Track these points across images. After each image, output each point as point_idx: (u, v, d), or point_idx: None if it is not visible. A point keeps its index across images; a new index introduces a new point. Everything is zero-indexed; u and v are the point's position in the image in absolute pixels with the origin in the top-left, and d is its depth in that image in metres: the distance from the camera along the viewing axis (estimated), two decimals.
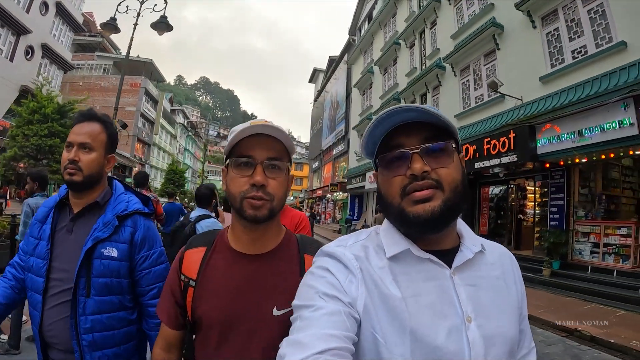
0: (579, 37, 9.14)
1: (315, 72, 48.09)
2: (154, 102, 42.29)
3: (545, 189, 11.11)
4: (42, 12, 22.04)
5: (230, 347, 1.09)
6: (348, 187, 26.87)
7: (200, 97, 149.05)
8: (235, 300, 1.09)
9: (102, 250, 1.56)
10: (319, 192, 40.19)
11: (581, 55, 9.01)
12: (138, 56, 37.29)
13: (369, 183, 21.70)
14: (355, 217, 25.36)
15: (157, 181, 38.93)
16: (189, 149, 63.39)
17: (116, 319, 1.60)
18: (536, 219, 11.90)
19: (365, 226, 22.33)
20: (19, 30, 19.89)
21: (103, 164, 1.66)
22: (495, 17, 11.71)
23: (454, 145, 0.84)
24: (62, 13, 24.08)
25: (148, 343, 1.70)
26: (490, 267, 0.88)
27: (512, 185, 13.00)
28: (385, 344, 0.76)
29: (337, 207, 33.57)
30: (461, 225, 0.92)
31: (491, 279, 0.87)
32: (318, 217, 36.24)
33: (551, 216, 10.39)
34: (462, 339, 0.76)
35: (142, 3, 12.51)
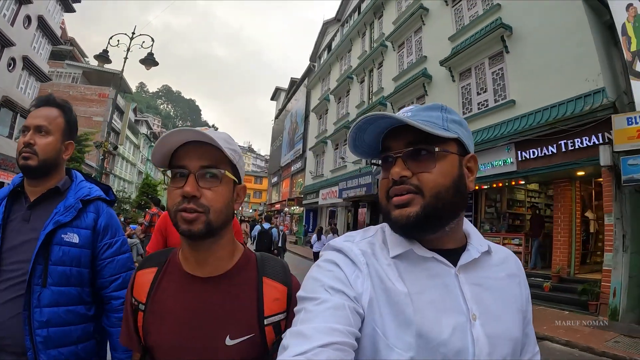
0: (484, 92, 11.76)
1: (277, 90, 50.16)
2: (120, 112, 42.43)
3: None
4: (25, 26, 22.71)
5: None
6: (304, 202, 29.23)
7: (162, 106, 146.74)
8: (184, 328, 0.99)
9: (63, 235, 1.47)
10: (278, 206, 41.71)
11: (484, 107, 11.66)
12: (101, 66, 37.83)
13: (322, 200, 24.14)
14: (310, 229, 27.38)
15: (124, 192, 39.25)
16: (151, 160, 63.74)
17: (74, 313, 1.49)
18: None
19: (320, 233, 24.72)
20: (4, 42, 20.58)
21: (60, 149, 1.57)
22: (427, 68, 14.45)
23: (437, 150, 0.80)
24: (43, 27, 24.75)
25: (108, 341, 1.59)
26: (495, 269, 0.88)
27: None
28: (387, 340, 0.74)
29: (293, 220, 35.60)
30: (468, 226, 0.91)
31: (496, 280, 0.86)
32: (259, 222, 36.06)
33: None
34: (466, 336, 0.76)
35: (132, 39, 14.33)
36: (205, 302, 1.01)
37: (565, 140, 8.56)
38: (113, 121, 39.36)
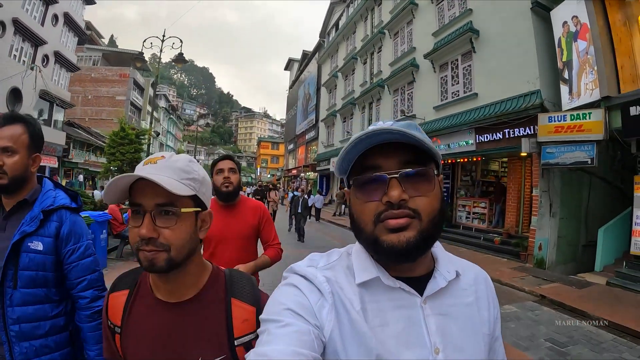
0: (457, 84, 14.00)
1: (290, 61, 51.90)
2: (141, 90, 44.58)
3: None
4: (53, 23, 24.91)
5: None
6: (317, 168, 32.07)
7: (175, 76, 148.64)
8: (159, 350, 1.02)
9: (29, 243, 1.59)
10: (294, 172, 44.44)
11: (456, 97, 13.93)
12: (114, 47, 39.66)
13: (333, 167, 26.72)
14: (324, 193, 30.10)
15: None
16: (171, 131, 66.73)
17: (42, 310, 1.62)
18: None
19: (332, 200, 27.77)
20: (37, 42, 22.98)
21: (28, 164, 1.66)
22: (415, 58, 16.66)
23: (434, 170, 0.79)
24: (69, 22, 26.93)
25: (82, 336, 1.68)
26: (463, 293, 0.85)
27: None
28: None
29: (308, 184, 38.58)
30: (437, 248, 0.87)
31: (463, 307, 0.84)
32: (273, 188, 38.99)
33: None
34: None
35: (163, 41, 16.81)
36: (176, 326, 1.03)
37: (508, 129, 10.94)
38: (135, 99, 42.35)
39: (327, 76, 30.93)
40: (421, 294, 0.80)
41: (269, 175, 66.25)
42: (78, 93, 37.11)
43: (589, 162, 8.76)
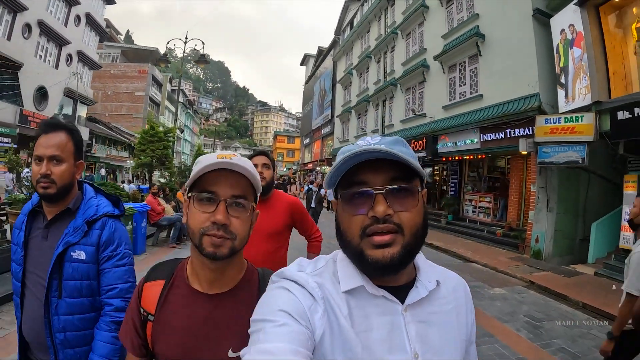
0: (464, 85, 14.72)
1: (306, 57, 52.73)
2: (159, 85, 45.77)
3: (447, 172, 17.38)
4: (76, 24, 25.97)
5: None
6: (332, 163, 32.83)
7: (191, 70, 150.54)
8: (190, 340, 1.07)
9: (72, 253, 1.60)
10: (310, 166, 45.39)
11: (463, 97, 14.67)
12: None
13: None
14: None
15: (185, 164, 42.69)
16: (188, 125, 68.03)
17: (87, 320, 1.64)
18: (443, 188, 18.35)
19: None
20: (61, 42, 24.13)
21: (74, 172, 1.68)
22: (425, 59, 17.43)
23: (418, 186, 0.83)
24: (91, 22, 28.07)
25: (92, 343, 1.63)
26: (442, 301, 0.90)
27: (435, 168, 19.36)
28: None
29: (323, 178, 39.40)
30: (418, 258, 0.90)
31: (442, 315, 0.88)
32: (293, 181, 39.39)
33: (450, 188, 16.79)
34: None
35: (185, 43, 17.84)
36: (210, 317, 1.08)
37: (509, 129, 11.73)
38: (154, 94, 43.43)
39: (343, 73, 31.69)
40: (403, 302, 0.83)
41: (285, 169, 67.23)
42: (98, 89, 38.31)
43: (580, 161, 9.55)
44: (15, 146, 14.92)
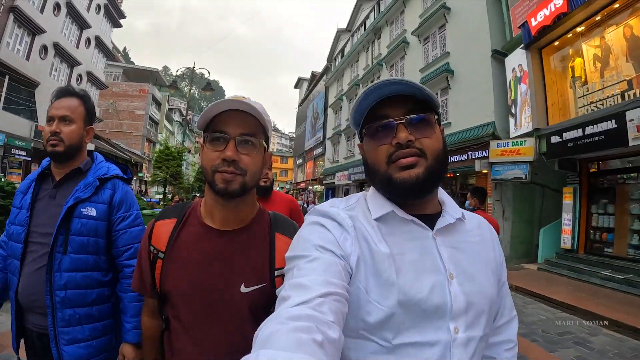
0: None
1: (300, 80, 54.61)
2: (158, 104, 46.70)
3: None
4: (86, 46, 27.07)
5: (199, 323, 1.08)
6: (324, 182, 34.33)
7: (186, 88, 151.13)
8: (203, 274, 1.08)
9: (82, 209, 1.63)
10: (302, 185, 46.07)
11: None
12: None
13: (337, 180, 29.26)
14: None
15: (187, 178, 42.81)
16: (184, 144, 68.90)
17: (90, 278, 1.64)
18: None
19: None
20: (73, 63, 25.14)
21: (83, 134, 1.73)
22: None
23: (435, 117, 0.88)
24: (100, 45, 29.17)
25: (121, 306, 1.68)
26: (469, 234, 0.93)
27: None
28: (368, 296, 0.79)
29: (316, 197, 39.80)
30: (443, 194, 0.97)
31: (471, 244, 0.91)
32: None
33: None
34: (445, 293, 0.80)
35: (193, 71, 19.72)
36: (222, 252, 1.10)
37: (470, 152, 13.69)
38: (153, 113, 44.60)
39: (334, 98, 33.16)
40: (432, 229, 0.88)
41: (278, 188, 67.20)
42: (100, 106, 38.46)
43: (524, 177, 11.54)
44: (30, 159, 16.58)
